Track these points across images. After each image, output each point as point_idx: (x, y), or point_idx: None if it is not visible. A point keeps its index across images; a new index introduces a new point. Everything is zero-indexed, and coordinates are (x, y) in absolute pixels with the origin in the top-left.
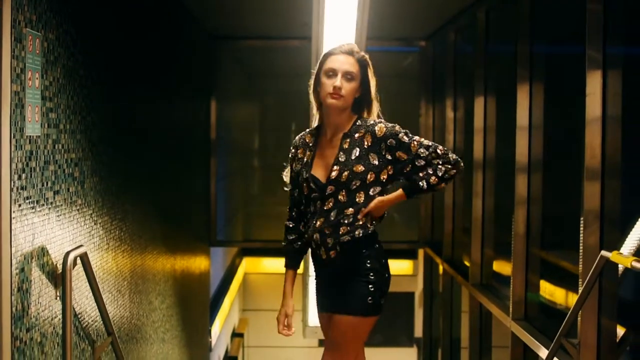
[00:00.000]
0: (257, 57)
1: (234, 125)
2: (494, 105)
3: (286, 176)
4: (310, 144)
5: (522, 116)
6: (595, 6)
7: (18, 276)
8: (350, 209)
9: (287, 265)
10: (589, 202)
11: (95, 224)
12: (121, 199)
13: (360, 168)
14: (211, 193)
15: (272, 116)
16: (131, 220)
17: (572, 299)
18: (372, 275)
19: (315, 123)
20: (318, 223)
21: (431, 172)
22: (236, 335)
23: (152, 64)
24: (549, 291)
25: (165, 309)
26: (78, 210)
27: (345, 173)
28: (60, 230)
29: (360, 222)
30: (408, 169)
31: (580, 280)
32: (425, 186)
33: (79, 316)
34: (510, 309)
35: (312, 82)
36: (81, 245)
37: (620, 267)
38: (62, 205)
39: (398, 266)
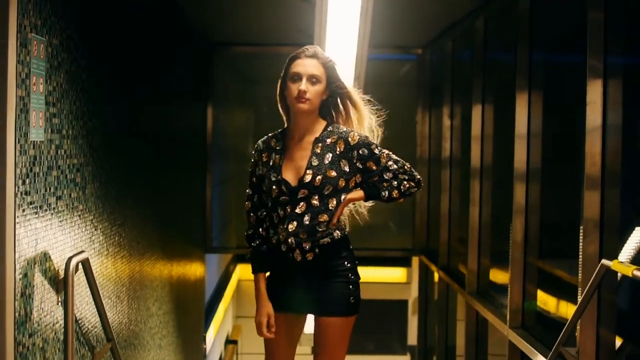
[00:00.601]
0: (254, 64)
1: (230, 132)
2: (491, 113)
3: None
4: (278, 148)
5: (520, 124)
6: (596, 15)
7: (21, 281)
8: (325, 216)
9: (257, 270)
10: (588, 211)
11: (95, 229)
12: (121, 204)
13: (333, 173)
14: (207, 199)
15: (268, 123)
16: (130, 226)
17: (567, 307)
18: (351, 275)
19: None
20: (291, 227)
21: (395, 186)
22: (230, 342)
23: (150, 70)
24: (543, 300)
25: (162, 315)
26: (79, 215)
27: (319, 177)
28: (62, 236)
29: (335, 225)
30: (375, 179)
31: (579, 288)
32: (386, 196)
33: (80, 322)
34: (508, 317)
35: (278, 87)
36: (83, 251)
37: (618, 276)
38: (64, 210)
39: (391, 274)
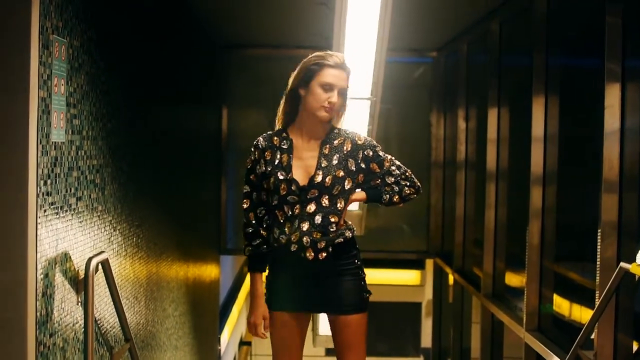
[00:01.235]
0: (269, 66)
1: (246, 134)
2: (507, 116)
3: None
4: (284, 147)
5: (537, 127)
6: (614, 19)
7: (42, 281)
8: (335, 216)
9: (255, 269)
10: (606, 214)
11: (114, 230)
12: (138, 205)
13: (341, 173)
14: (222, 201)
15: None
16: (147, 227)
17: (582, 310)
18: (361, 272)
19: (279, 124)
20: (304, 226)
21: (397, 191)
22: (244, 343)
23: (167, 72)
24: (558, 303)
25: (178, 316)
26: (99, 216)
27: (329, 178)
28: (82, 236)
29: (345, 225)
30: (377, 182)
31: (597, 291)
32: (386, 200)
33: (99, 322)
34: (524, 319)
35: (293, 83)
36: (103, 252)
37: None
38: (84, 211)
39: (405, 276)
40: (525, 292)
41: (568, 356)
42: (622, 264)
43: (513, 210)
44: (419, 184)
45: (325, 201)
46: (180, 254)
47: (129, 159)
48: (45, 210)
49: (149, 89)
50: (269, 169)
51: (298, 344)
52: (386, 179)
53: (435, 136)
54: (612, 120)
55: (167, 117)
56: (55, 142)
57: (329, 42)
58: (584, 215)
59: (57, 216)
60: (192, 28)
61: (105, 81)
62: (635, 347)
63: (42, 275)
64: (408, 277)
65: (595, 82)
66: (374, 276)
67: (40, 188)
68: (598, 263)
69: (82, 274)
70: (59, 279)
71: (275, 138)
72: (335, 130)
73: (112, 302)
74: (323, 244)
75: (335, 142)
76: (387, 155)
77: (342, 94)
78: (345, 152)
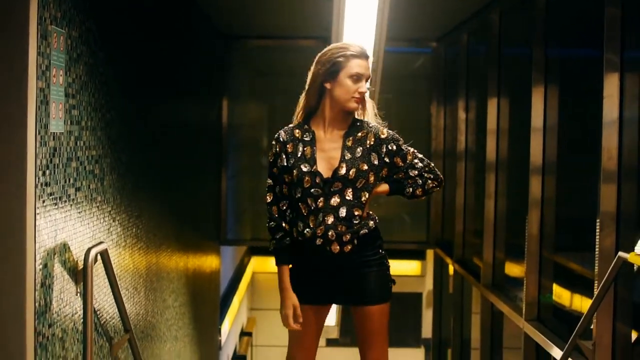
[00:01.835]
0: (269, 57)
1: (246, 124)
2: (507, 107)
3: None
4: (307, 139)
5: (536, 118)
6: (613, 10)
7: (41, 272)
8: (358, 209)
9: (281, 262)
10: (605, 204)
11: (113, 221)
12: (138, 196)
13: (365, 167)
14: (222, 191)
15: (283, 115)
16: (147, 218)
17: (581, 300)
18: (385, 261)
19: (298, 119)
20: (329, 220)
21: (420, 184)
22: (245, 334)
23: (167, 63)
24: (558, 293)
25: (178, 307)
26: (98, 207)
27: (353, 170)
28: (81, 227)
29: (367, 215)
30: (400, 176)
31: (596, 281)
32: (409, 193)
33: (98, 313)
34: (524, 309)
35: (317, 77)
36: (102, 242)
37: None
38: (83, 202)
39: (406, 267)
40: (525, 282)
41: (567, 346)
42: (620, 254)
43: (513, 201)
44: (441, 176)
45: (349, 194)
46: (180, 244)
47: (128, 149)
48: (43, 201)
49: (148, 80)
50: (292, 162)
51: (316, 336)
52: (409, 172)
53: (435, 126)
54: (610, 110)
55: (167, 107)
56: (54, 133)
57: (328, 32)
58: (585, 205)
59: (56, 207)
60: (193, 18)
61: (104, 72)
62: (634, 336)
63: (40, 266)
64: (409, 267)
65: (595, 72)
66: None
67: (38, 178)
68: (597, 253)
69: (81, 265)
70: (57, 269)
71: (297, 131)
72: (358, 123)
73: (111, 293)
74: (348, 237)
75: (358, 134)
76: (409, 148)
77: (366, 82)
78: (368, 145)
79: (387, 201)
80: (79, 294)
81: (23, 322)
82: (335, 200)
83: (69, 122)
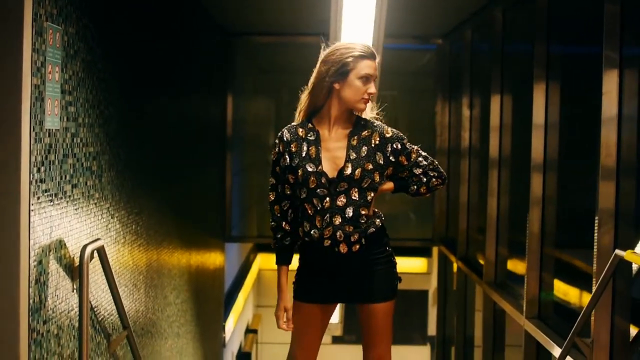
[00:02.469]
0: (272, 53)
1: (250, 121)
2: (510, 104)
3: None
4: (311, 138)
5: (538, 115)
6: (612, 7)
7: (36, 268)
8: (365, 209)
9: (280, 262)
10: (603, 201)
11: (112, 217)
12: (137, 193)
13: (370, 166)
14: (226, 188)
15: (287, 112)
16: (147, 214)
17: (583, 297)
18: (392, 259)
19: (301, 117)
20: (336, 220)
21: (424, 182)
22: (250, 331)
23: (168, 59)
24: (563, 290)
25: (180, 304)
26: (95, 203)
27: (359, 170)
28: (78, 224)
29: (373, 213)
30: (405, 174)
31: (594, 279)
32: (414, 191)
33: (95, 309)
34: (524, 307)
35: (325, 77)
36: (99, 239)
37: (634, 267)
38: (80, 198)
39: (412, 264)
40: (526, 280)
41: (565, 344)
42: (617, 251)
43: (517, 198)
44: (445, 174)
45: (355, 194)
46: (182, 241)
47: (127, 146)
48: (38, 197)
49: (149, 77)
50: (296, 162)
51: (319, 335)
52: (414, 171)
53: (440, 123)
54: (609, 106)
55: (168, 104)
56: (50, 129)
57: (326, 28)
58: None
59: (52, 203)
60: (196, 14)
61: (103, 68)
62: (633, 332)
63: (35, 263)
64: (415, 264)
65: (596, 69)
66: None
67: (33, 175)
68: (595, 250)
69: (77, 262)
70: (53, 266)
71: (301, 130)
72: (362, 122)
73: (109, 290)
74: (356, 237)
75: (363, 133)
76: (413, 146)
77: (376, 82)
78: (373, 144)
79: (393, 198)
80: (75, 291)
81: (17, 319)
82: (341, 201)
83: (65, 119)
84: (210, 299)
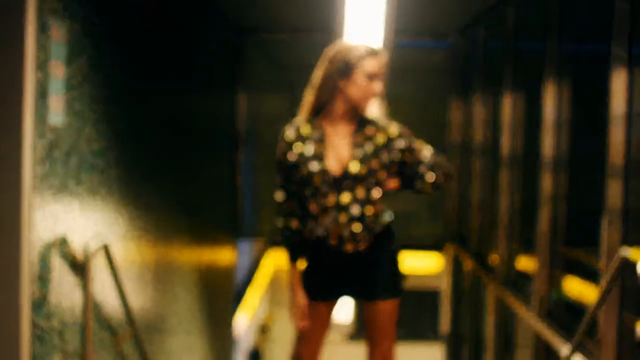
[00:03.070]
0: (285, 50)
1: (262, 118)
2: (521, 102)
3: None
4: (315, 136)
5: (548, 113)
6: (623, 4)
7: (39, 264)
8: (370, 207)
9: (292, 260)
10: (611, 200)
11: (119, 213)
12: (146, 189)
13: (375, 164)
14: (238, 185)
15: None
16: (156, 211)
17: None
18: (397, 256)
19: (305, 114)
20: (342, 219)
21: (430, 179)
22: (263, 329)
23: (177, 55)
24: (575, 289)
25: (190, 301)
26: (101, 200)
27: (364, 168)
28: (83, 220)
29: (380, 212)
30: (410, 171)
31: (601, 278)
32: (420, 188)
33: (101, 306)
34: (534, 306)
35: (331, 75)
36: (104, 235)
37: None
38: (85, 194)
39: (425, 262)
40: (535, 279)
41: (572, 343)
42: (622, 250)
43: (528, 196)
44: (452, 170)
45: (360, 192)
46: (192, 238)
47: (135, 142)
48: (41, 193)
49: (158, 72)
50: (301, 160)
51: (324, 332)
52: (419, 168)
53: (452, 120)
54: (618, 105)
55: (178, 100)
56: (54, 125)
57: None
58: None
59: (55, 199)
60: (207, 8)
61: (109, 64)
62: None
63: (38, 259)
64: (428, 263)
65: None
66: None
67: (36, 171)
68: (603, 249)
69: (81, 258)
70: (56, 262)
71: (304, 127)
72: (367, 119)
73: (114, 286)
74: (362, 236)
75: (368, 131)
76: (419, 143)
77: (381, 81)
78: (379, 142)
79: (405, 196)
80: (79, 287)
81: (18, 314)
82: (346, 199)
83: (70, 115)
84: (221, 296)
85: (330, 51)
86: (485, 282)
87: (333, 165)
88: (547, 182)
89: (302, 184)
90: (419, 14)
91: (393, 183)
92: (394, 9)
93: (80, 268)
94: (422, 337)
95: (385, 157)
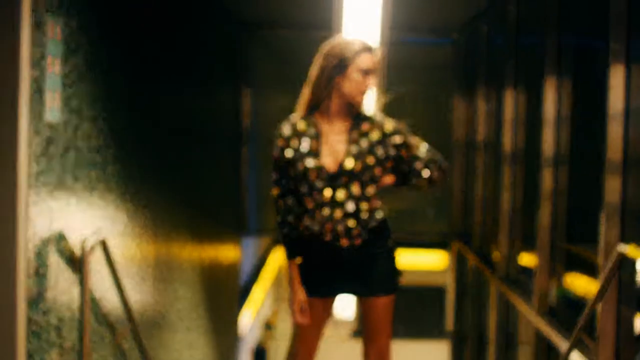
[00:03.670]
0: (290, 46)
1: (267, 114)
2: (524, 98)
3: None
4: (311, 132)
5: (549, 109)
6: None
7: (35, 260)
8: (365, 203)
9: (291, 256)
10: (610, 195)
11: (117, 210)
12: (145, 185)
13: (371, 160)
14: (243, 181)
15: None
16: (155, 207)
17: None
18: (393, 252)
19: (301, 111)
20: (337, 215)
21: (425, 175)
22: (268, 326)
23: (179, 50)
24: (576, 285)
25: (191, 297)
26: (99, 196)
27: (359, 164)
28: (80, 216)
29: (375, 208)
30: (405, 167)
31: (599, 274)
32: (414, 184)
33: (100, 302)
34: (535, 303)
35: (326, 71)
36: (101, 231)
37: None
38: (82, 191)
39: (430, 259)
40: (536, 275)
41: (570, 339)
42: (620, 246)
43: (531, 193)
44: (447, 167)
45: (355, 188)
46: (193, 234)
47: (134, 139)
48: (38, 190)
49: (159, 68)
50: (297, 156)
51: (321, 328)
52: (415, 164)
53: (456, 117)
54: (616, 100)
55: (179, 97)
56: (50, 122)
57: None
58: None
59: (52, 196)
60: (209, 5)
61: (107, 61)
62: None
63: (34, 254)
64: (433, 259)
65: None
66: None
67: (32, 167)
68: (601, 245)
69: (79, 254)
70: (53, 258)
71: (300, 124)
72: (363, 115)
73: (113, 282)
74: (357, 231)
75: (364, 127)
76: (415, 139)
77: (375, 76)
78: (374, 138)
79: (411, 193)
80: (76, 283)
81: (14, 310)
82: (341, 195)
83: (66, 112)
84: (225, 293)
85: (325, 47)
86: (488, 278)
87: (328, 161)
88: (547, 178)
89: (297, 180)
90: (422, 10)
91: (389, 179)
92: (390, 5)
93: (77, 263)
94: (428, 335)
95: (380, 152)
